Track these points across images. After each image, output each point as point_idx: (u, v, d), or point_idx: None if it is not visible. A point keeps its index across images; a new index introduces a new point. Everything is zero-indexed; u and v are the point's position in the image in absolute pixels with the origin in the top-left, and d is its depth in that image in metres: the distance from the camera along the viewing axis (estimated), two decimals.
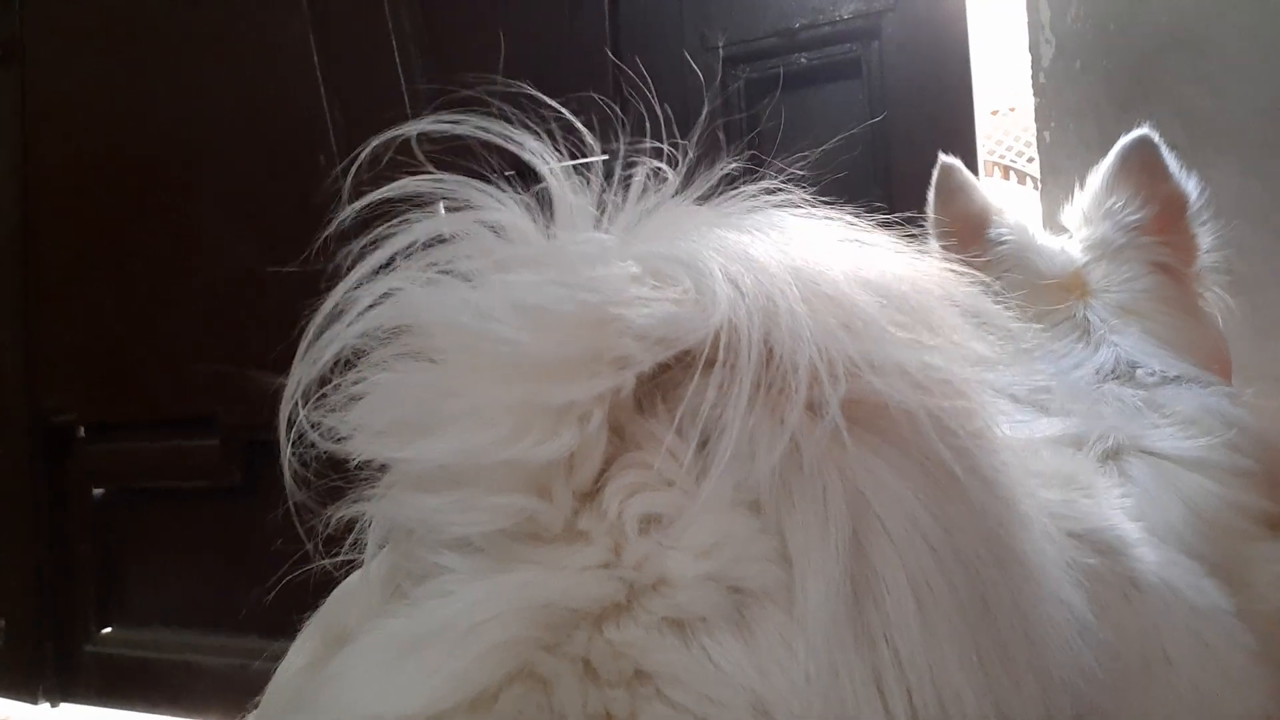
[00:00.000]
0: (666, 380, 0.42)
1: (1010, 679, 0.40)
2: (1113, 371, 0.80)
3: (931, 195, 0.97)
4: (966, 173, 0.97)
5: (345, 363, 0.44)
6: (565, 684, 0.36)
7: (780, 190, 0.49)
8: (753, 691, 0.36)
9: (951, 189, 0.96)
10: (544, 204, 0.48)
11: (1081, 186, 1.31)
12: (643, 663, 0.37)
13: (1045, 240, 0.94)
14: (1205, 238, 0.94)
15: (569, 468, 0.40)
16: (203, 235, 1.84)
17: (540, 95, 0.56)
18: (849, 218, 0.48)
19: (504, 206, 0.46)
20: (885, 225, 0.49)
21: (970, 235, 0.94)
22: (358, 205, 0.50)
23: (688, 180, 0.51)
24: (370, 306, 0.43)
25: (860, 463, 0.40)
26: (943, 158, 0.97)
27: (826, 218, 0.47)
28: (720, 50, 1.37)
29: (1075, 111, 1.27)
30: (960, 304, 0.46)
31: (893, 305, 0.42)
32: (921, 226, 0.96)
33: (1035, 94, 1.28)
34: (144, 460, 1.92)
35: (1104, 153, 1.29)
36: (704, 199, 0.50)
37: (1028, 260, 0.90)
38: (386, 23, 1.59)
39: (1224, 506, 0.68)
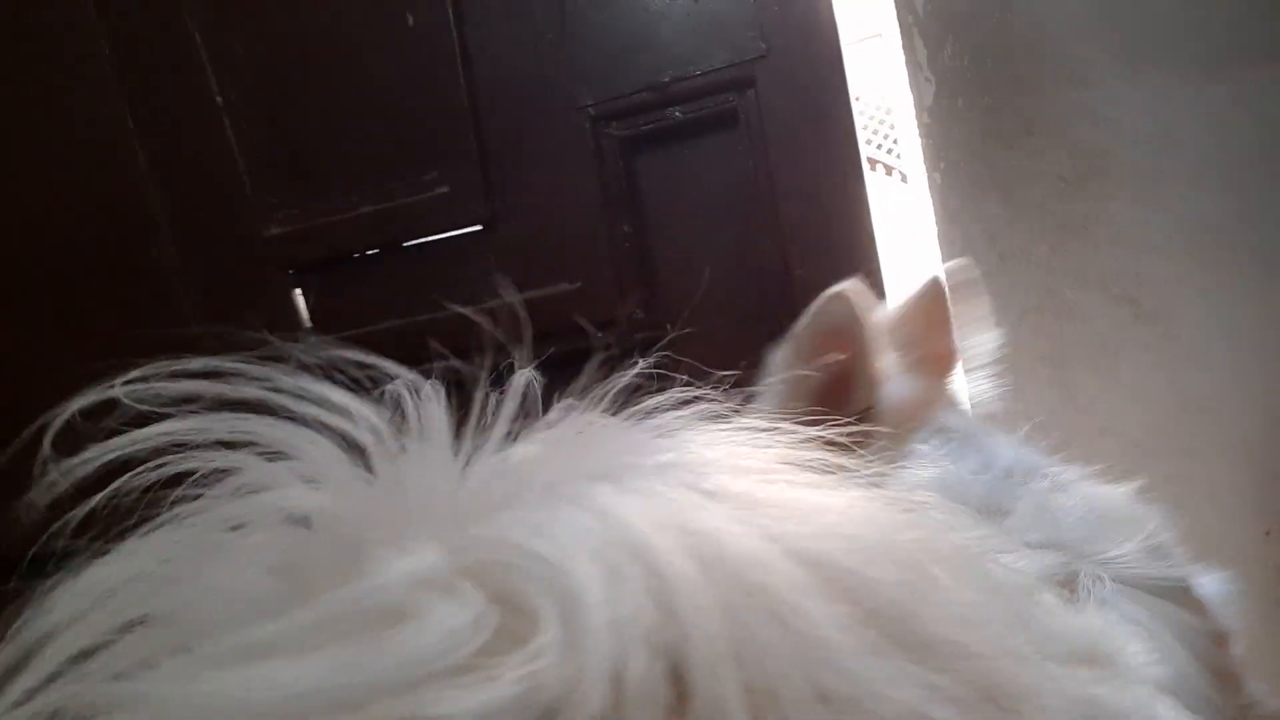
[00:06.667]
0: None
1: None
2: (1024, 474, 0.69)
3: (807, 325, 0.71)
4: (851, 311, 0.70)
5: None
6: None
7: (696, 397, 0.37)
8: None
9: (826, 330, 0.70)
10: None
11: (978, 230, 1.26)
12: None
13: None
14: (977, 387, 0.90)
15: None
16: None
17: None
18: (789, 432, 0.35)
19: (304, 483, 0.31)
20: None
21: (838, 390, 0.71)
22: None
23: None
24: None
25: None
26: (828, 292, 0.68)
27: (755, 433, 0.35)
28: (589, 109, 1.28)
29: (964, 150, 1.22)
30: (964, 573, 0.33)
31: (864, 609, 0.29)
32: None
33: (921, 135, 1.23)
34: None
35: (998, 192, 1.24)
36: (599, 407, 0.37)
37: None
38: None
39: (1210, 644, 0.58)
